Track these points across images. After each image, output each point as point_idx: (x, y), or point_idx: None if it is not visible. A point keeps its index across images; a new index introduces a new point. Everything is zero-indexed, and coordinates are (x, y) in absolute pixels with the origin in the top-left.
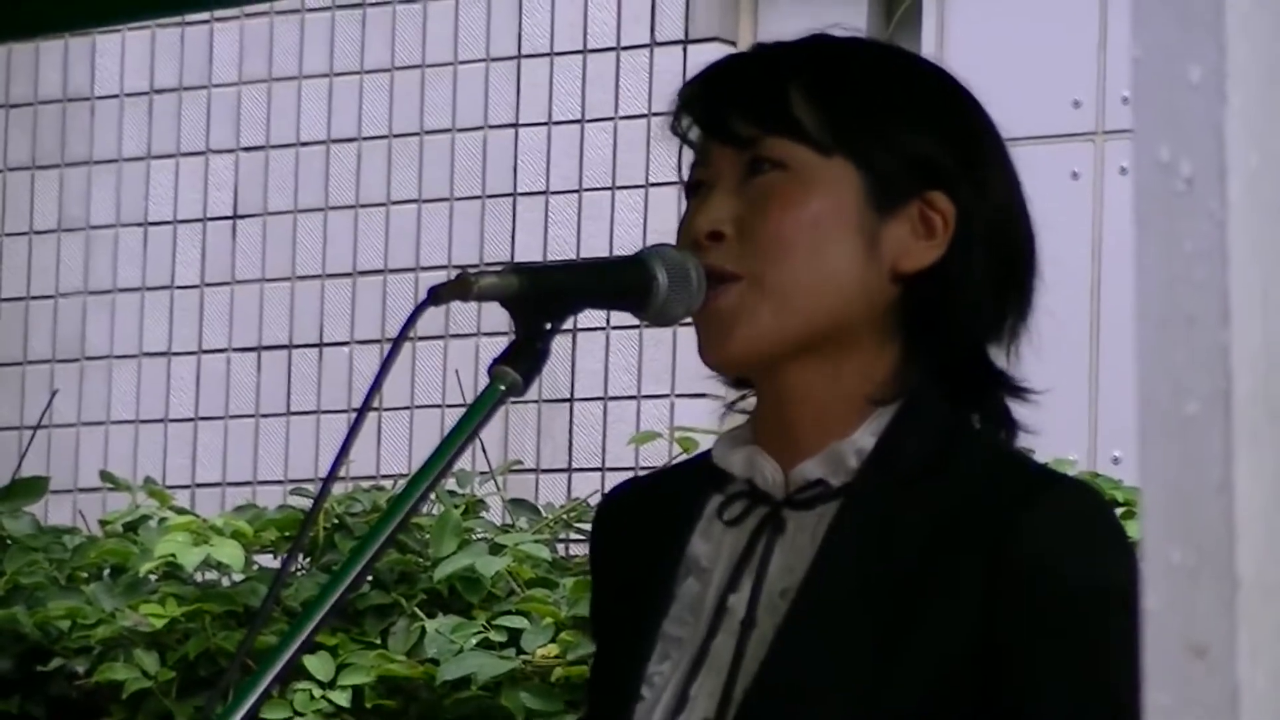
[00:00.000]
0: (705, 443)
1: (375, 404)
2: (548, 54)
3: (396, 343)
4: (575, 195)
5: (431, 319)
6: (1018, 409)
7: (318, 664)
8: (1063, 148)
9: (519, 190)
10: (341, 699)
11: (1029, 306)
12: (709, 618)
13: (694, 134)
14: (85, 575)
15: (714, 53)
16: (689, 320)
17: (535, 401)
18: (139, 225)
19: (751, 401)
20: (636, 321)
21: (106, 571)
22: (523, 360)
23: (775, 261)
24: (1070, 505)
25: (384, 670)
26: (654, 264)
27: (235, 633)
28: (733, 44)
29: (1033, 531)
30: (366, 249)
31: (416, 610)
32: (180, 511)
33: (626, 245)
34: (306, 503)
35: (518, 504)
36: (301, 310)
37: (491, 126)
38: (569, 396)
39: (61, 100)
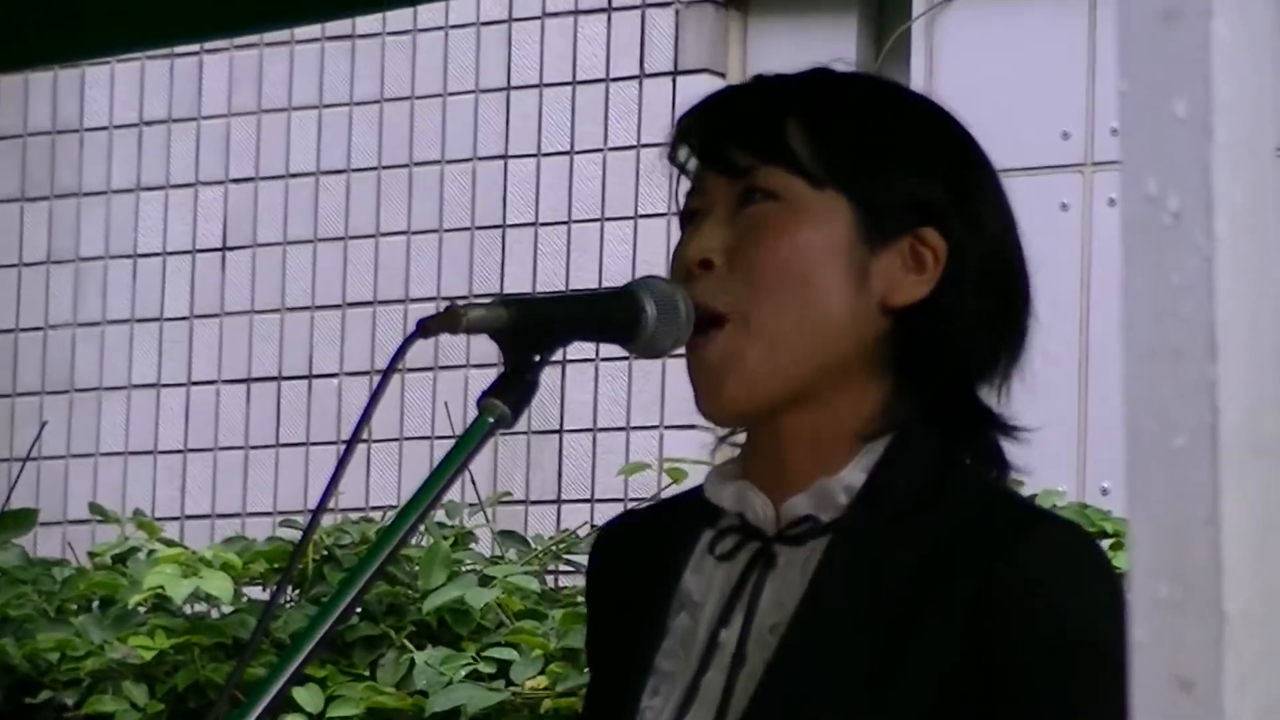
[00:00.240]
0: (694, 473)
1: (364, 436)
2: (537, 85)
3: (385, 374)
4: (564, 227)
5: (420, 351)
6: (1008, 446)
7: (307, 696)
8: (1052, 179)
9: (508, 222)
10: None
11: (1023, 344)
12: (700, 653)
13: (690, 164)
14: (74, 607)
15: (703, 84)
16: (678, 352)
17: (524, 433)
18: (128, 257)
19: (742, 435)
20: (625, 353)
21: (95, 603)
22: (511, 392)
23: (763, 294)
24: (1059, 540)
25: (373, 702)
26: (642, 296)
27: (224, 664)
28: (722, 75)
29: (1022, 564)
30: (355, 281)
31: (406, 642)
32: (169, 543)
33: (615, 277)
34: (295, 534)
35: (507, 535)
36: (290, 342)
37: (480, 158)
38: (558, 428)
39: (50, 132)
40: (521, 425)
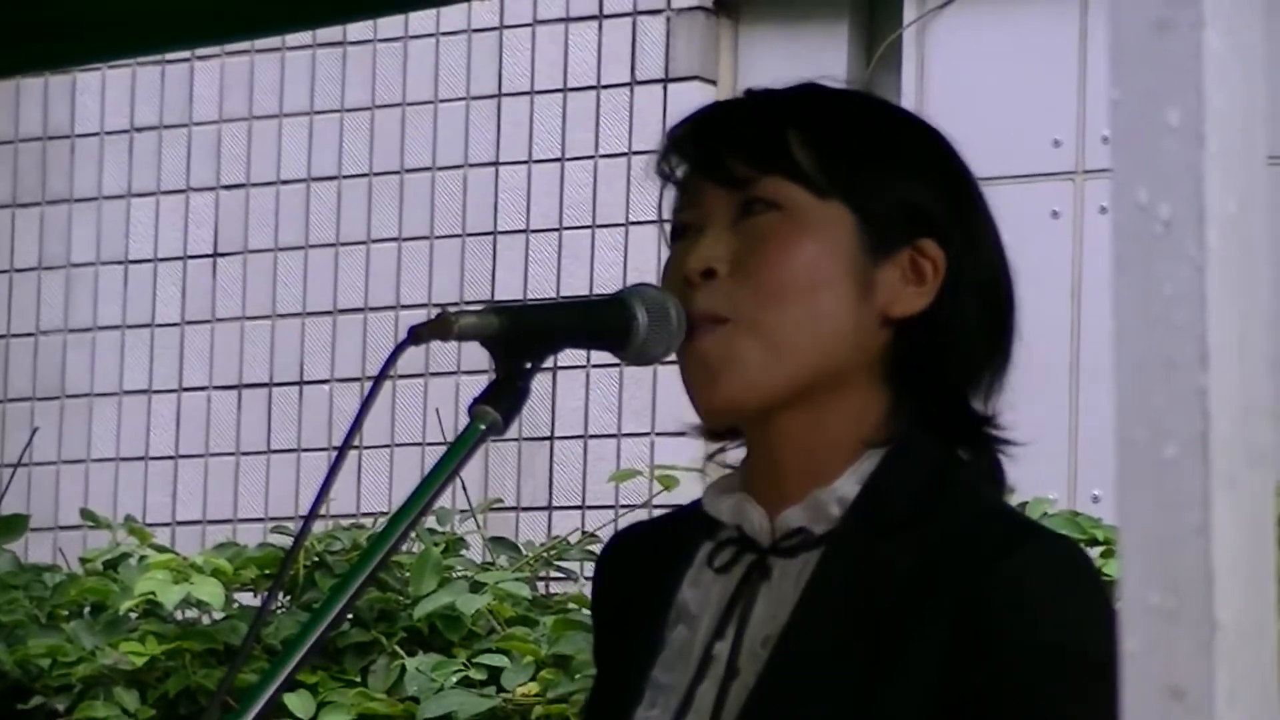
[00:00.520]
0: (685, 480)
1: (356, 442)
2: (528, 92)
3: (377, 381)
4: (555, 234)
5: (412, 358)
6: (1001, 457)
7: (298, 702)
8: (1043, 187)
9: (499, 229)
10: None
11: (1009, 356)
12: (695, 665)
13: (680, 175)
14: (65, 613)
15: (694, 91)
16: (670, 359)
17: (516, 440)
18: (119, 263)
19: (731, 453)
20: (617, 360)
21: (87, 609)
22: (503, 399)
23: (770, 304)
24: (1049, 553)
25: (364, 708)
26: (634, 303)
27: (216, 671)
28: (713, 83)
29: (1011, 577)
30: (347, 287)
31: (397, 648)
32: (160, 549)
33: (607, 283)
34: (287, 541)
35: (498, 542)
36: (282, 348)
37: (472, 165)
38: (549, 435)
39: (42, 138)
40: (513, 432)
